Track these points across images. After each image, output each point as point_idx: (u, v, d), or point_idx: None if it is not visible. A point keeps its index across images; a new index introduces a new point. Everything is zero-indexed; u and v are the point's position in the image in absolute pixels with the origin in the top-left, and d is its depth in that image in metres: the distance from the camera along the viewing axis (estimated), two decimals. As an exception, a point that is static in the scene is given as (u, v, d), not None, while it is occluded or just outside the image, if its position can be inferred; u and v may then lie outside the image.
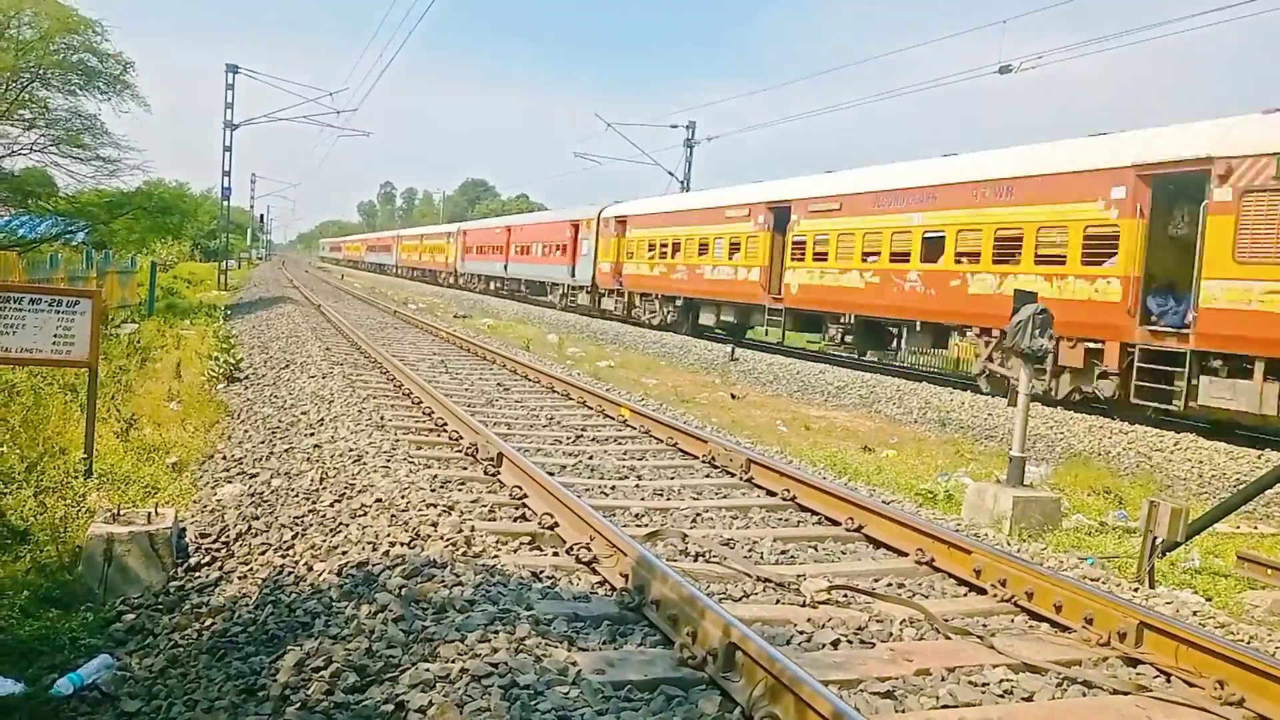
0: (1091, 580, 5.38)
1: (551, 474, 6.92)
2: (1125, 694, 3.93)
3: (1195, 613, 5.11)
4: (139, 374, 12.51)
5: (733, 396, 15.68)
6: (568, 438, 9.25)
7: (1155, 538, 5.99)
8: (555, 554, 5.41)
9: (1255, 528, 8.66)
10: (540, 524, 5.81)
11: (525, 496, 6.38)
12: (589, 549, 5.23)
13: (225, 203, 44.56)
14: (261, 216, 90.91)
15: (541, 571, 4.99)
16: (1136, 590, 5.47)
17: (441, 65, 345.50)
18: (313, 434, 8.55)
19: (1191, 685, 4.02)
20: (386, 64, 77.63)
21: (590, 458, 8.27)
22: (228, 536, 6.19)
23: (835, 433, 12.70)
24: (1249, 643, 4.54)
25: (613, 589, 4.80)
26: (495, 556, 5.06)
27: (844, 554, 5.92)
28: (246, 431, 9.28)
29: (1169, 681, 4.11)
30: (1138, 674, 4.19)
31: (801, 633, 4.40)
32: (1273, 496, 9.45)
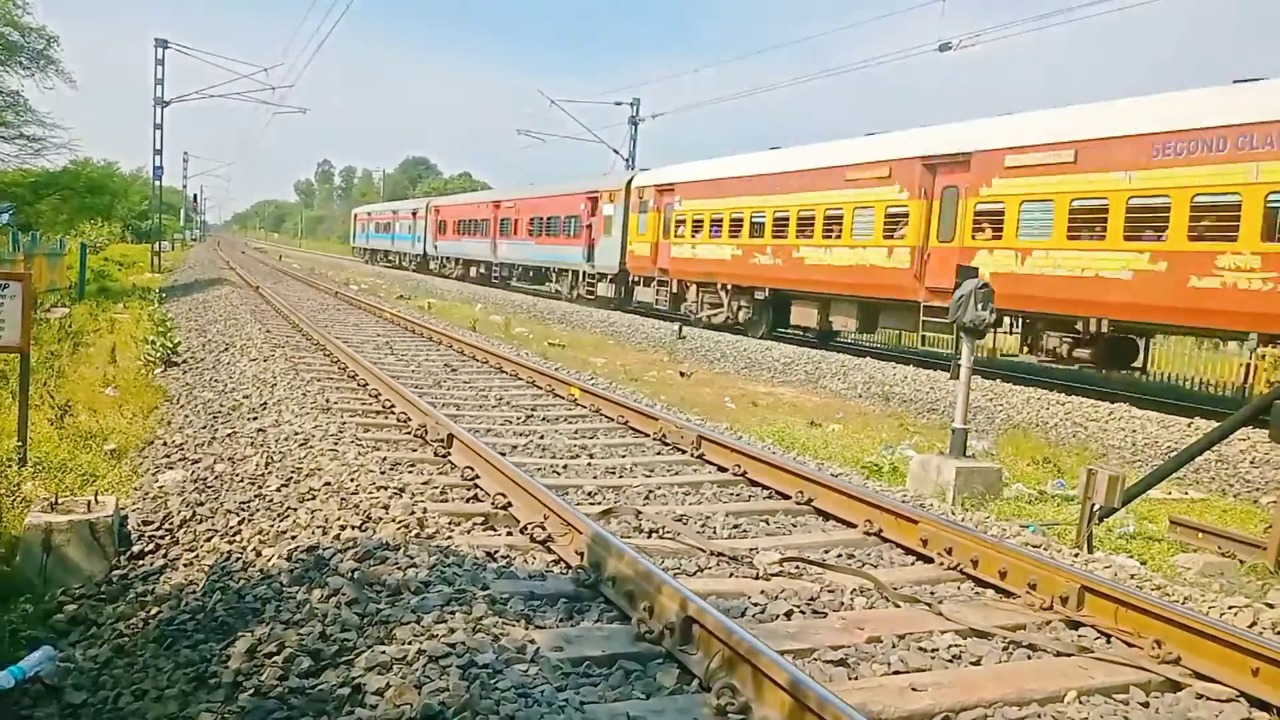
0: (1033, 547, 5.52)
1: (503, 454, 6.89)
2: (1069, 656, 4.06)
3: (1132, 576, 5.28)
4: (72, 359, 12.14)
5: (681, 374, 15.75)
6: (518, 418, 9.21)
7: (1093, 504, 6.18)
8: (509, 534, 5.40)
9: (1186, 493, 8.98)
10: (493, 504, 5.78)
11: (477, 477, 6.35)
12: (543, 528, 5.22)
13: (157, 182, 43.32)
14: (195, 196, 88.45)
15: (496, 551, 4.98)
16: (1076, 556, 5.64)
17: (379, 41, 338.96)
18: (256, 418, 8.39)
19: (1131, 645, 4.17)
20: (323, 39, 75.90)
21: (541, 437, 8.25)
22: (171, 523, 6.05)
23: (782, 408, 12.84)
24: (1184, 603, 4.72)
25: (568, 567, 4.81)
26: (449, 537, 5.03)
27: (795, 527, 6.01)
28: (187, 416, 9.07)
29: (1109, 642, 4.25)
30: (1080, 636, 4.33)
31: (756, 605, 4.46)
32: (1201, 463, 9.81)
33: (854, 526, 5.87)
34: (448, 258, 45.60)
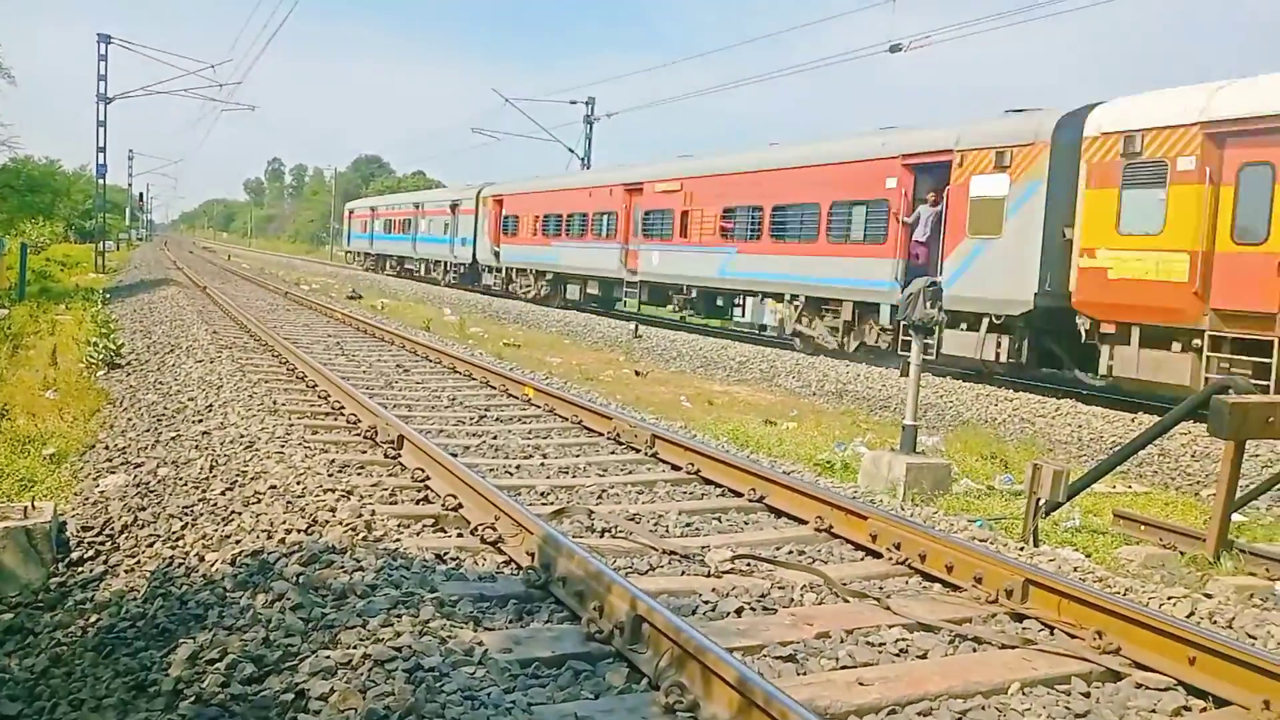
0: (980, 541, 5.60)
1: (455, 455, 6.83)
2: (1013, 648, 4.11)
3: (1076, 569, 5.38)
4: (11, 362, 11.83)
5: (637, 373, 15.75)
6: (471, 418, 9.14)
7: (1038, 499, 6.27)
8: (460, 535, 5.35)
9: (1130, 487, 9.17)
10: (444, 506, 5.73)
11: (428, 479, 6.28)
12: (494, 529, 5.18)
13: (101, 181, 42.29)
14: (141, 195, 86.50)
15: (446, 553, 4.93)
16: (1022, 549, 5.73)
17: (329, 38, 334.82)
18: (201, 420, 8.23)
19: (1073, 636, 4.23)
20: (272, 35, 74.43)
21: (494, 437, 8.19)
22: (112, 529, 5.93)
23: (737, 407, 12.89)
24: (1124, 594, 4.80)
25: (519, 568, 4.78)
26: (397, 540, 4.97)
27: (747, 524, 6.03)
28: (130, 420, 8.88)
29: (1052, 634, 4.32)
30: (1024, 628, 4.39)
31: (706, 602, 4.46)
32: (1145, 457, 10.03)
33: (805, 523, 5.90)
34: (522, 269, 30.91)
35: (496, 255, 32.59)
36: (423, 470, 6.41)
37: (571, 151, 41.32)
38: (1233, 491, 6.42)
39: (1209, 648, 3.79)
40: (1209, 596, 5.22)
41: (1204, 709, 3.70)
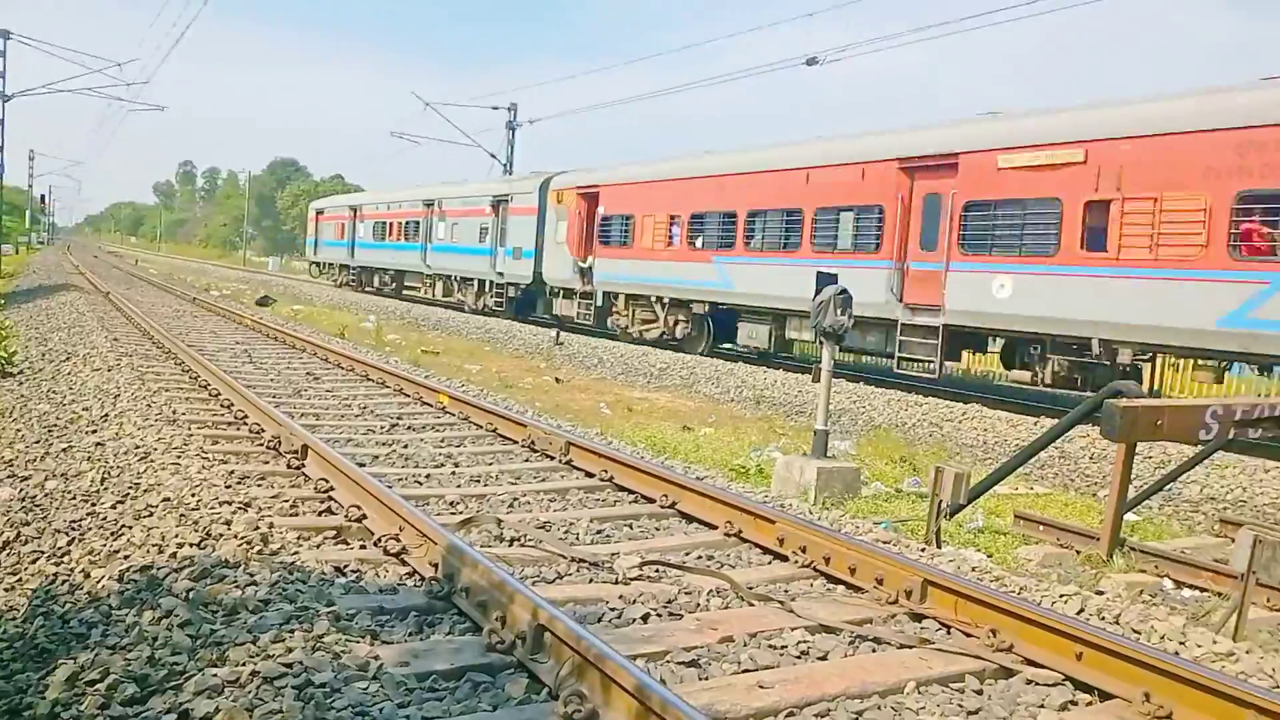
0: (884, 543, 5.70)
1: (362, 465, 6.68)
2: (910, 647, 4.18)
3: (975, 569, 5.51)
4: (-111, 371, 11.19)
5: (557, 380, 15.68)
6: (382, 427, 8.96)
7: (940, 501, 6.43)
8: (362, 547, 5.22)
9: (1032, 488, 9.46)
10: (347, 517, 5.58)
11: (332, 489, 6.12)
12: (398, 540, 5.07)
13: (-3, 182, 40.34)
14: (43, 197, 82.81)
15: (346, 566, 4.81)
16: (924, 551, 5.84)
17: (245, 38, 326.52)
18: (95, 431, 7.90)
19: (969, 635, 4.33)
20: (181, 33, 71.72)
21: (405, 446, 8.04)
22: (-8, 546, 5.63)
23: (657, 413, 12.93)
24: (1019, 593, 4.93)
25: (422, 579, 4.69)
26: (295, 553, 4.83)
27: (658, 530, 6.02)
28: (19, 430, 8.47)
29: (949, 633, 4.41)
30: (922, 628, 4.47)
31: (613, 610, 4.44)
32: (1047, 460, 10.37)
33: (715, 528, 5.93)
34: (638, 295, 21.12)
35: (583, 274, 22.89)
36: (326, 481, 6.25)
37: (494, 157, 41.00)
38: (1125, 492, 6.67)
39: (1095, 643, 3.91)
40: (1100, 593, 5.42)
41: (1090, 703, 3.82)
